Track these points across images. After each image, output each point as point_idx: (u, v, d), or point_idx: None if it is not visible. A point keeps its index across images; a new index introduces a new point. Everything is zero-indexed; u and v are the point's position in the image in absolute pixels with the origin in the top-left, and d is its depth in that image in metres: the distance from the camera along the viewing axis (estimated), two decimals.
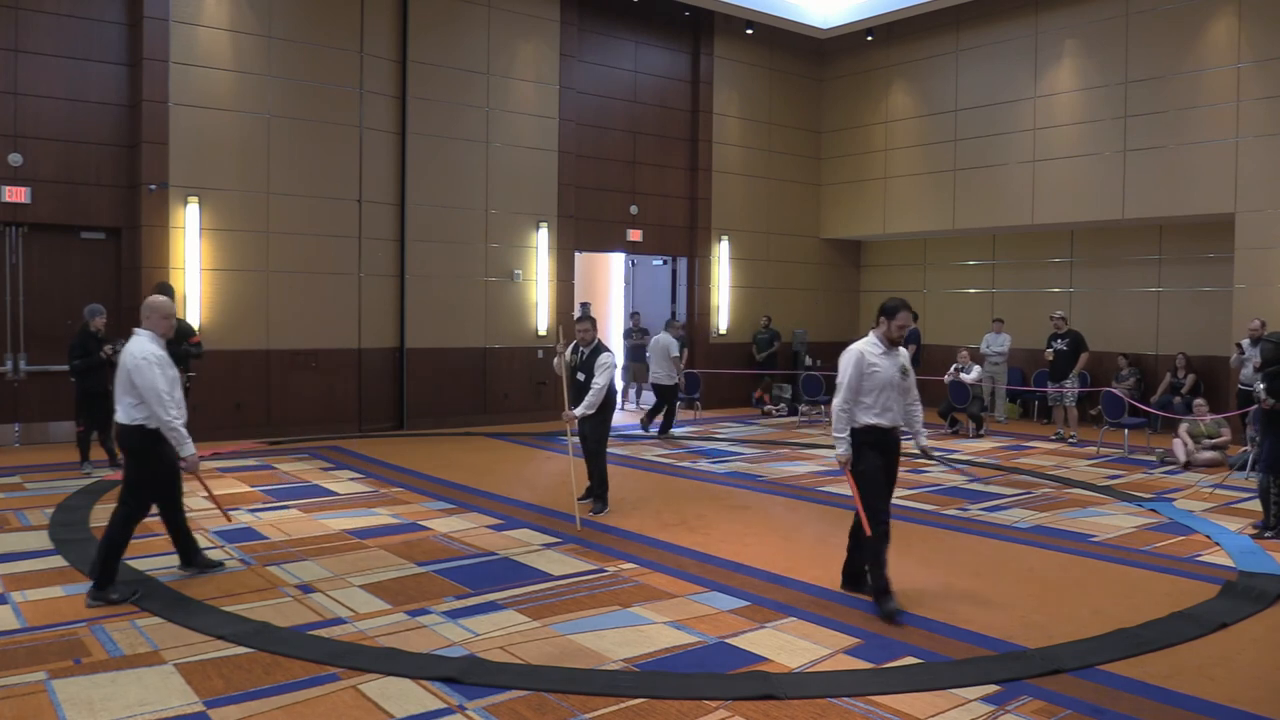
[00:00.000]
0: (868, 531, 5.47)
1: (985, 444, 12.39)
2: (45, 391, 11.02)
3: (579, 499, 7.97)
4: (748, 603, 5.62)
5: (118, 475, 9.21)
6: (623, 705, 4.17)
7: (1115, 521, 7.99)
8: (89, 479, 9.03)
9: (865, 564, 5.64)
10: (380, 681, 4.37)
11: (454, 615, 5.32)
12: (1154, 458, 11.15)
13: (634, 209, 15.59)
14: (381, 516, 7.78)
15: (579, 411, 7.76)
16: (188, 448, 5.53)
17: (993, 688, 4.41)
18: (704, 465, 10.64)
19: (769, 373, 16.12)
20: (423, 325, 13.19)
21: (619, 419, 13.67)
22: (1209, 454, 10.70)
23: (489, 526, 7.49)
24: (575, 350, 8.01)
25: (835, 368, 5.89)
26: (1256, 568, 6.46)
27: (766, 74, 16.95)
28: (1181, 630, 5.21)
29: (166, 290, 10.16)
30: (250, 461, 10.31)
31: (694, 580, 6.07)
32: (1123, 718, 4.11)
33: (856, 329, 18.29)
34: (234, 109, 11.76)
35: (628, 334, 15.87)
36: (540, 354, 14.18)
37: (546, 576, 6.11)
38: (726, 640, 4.98)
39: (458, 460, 10.68)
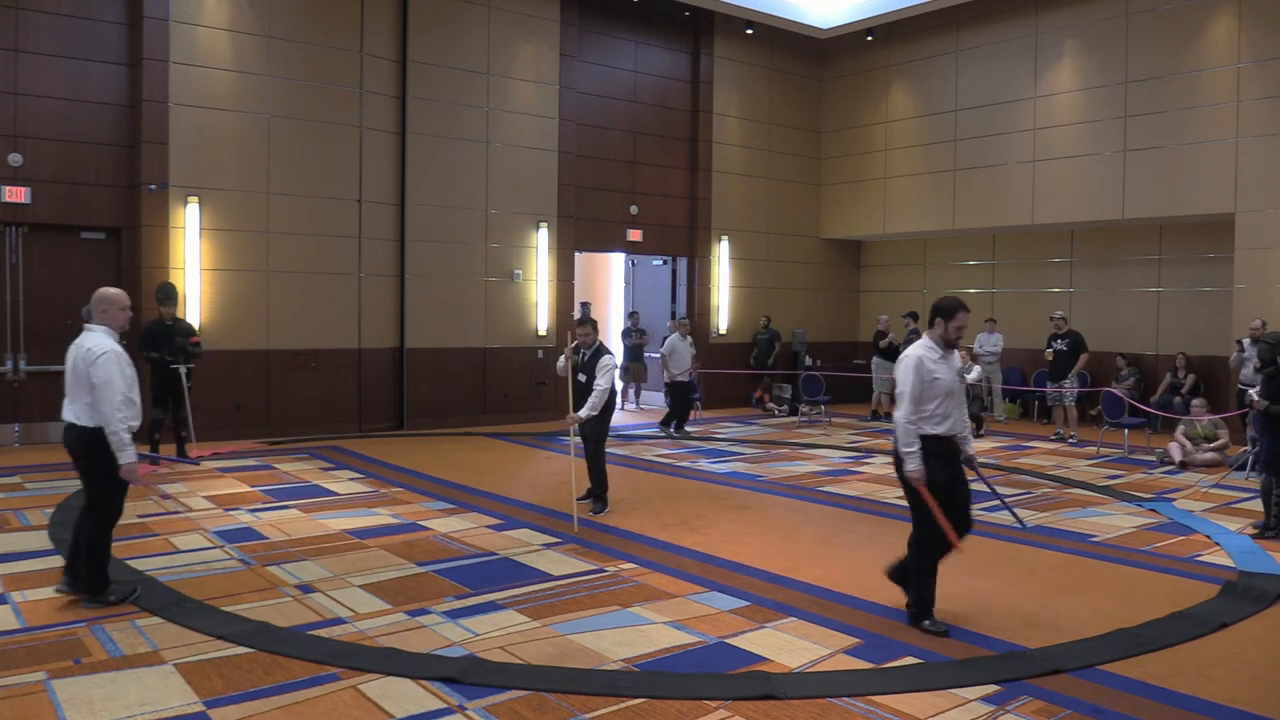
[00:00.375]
0: (957, 545, 5.14)
1: (985, 444, 12.38)
2: (45, 391, 11.01)
3: (579, 499, 7.97)
4: (748, 603, 5.62)
5: None
6: (623, 705, 4.17)
7: (1115, 521, 7.99)
8: None
9: (917, 574, 5.25)
10: (380, 681, 4.37)
11: (454, 615, 5.32)
12: (1154, 458, 11.15)
13: (634, 209, 15.59)
14: (381, 516, 7.78)
15: (583, 414, 7.77)
16: (127, 454, 5.15)
17: (993, 688, 4.41)
18: (704, 465, 10.64)
19: (769, 373, 16.13)
20: (423, 325, 13.19)
21: (620, 419, 13.68)
22: (1209, 455, 10.70)
23: (489, 526, 7.50)
24: (577, 352, 8.02)
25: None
26: (1256, 568, 6.46)
27: (766, 74, 16.95)
28: (1181, 630, 5.21)
29: (170, 291, 10.15)
30: (250, 461, 10.31)
31: (694, 580, 6.07)
32: (1123, 718, 4.11)
33: (856, 329, 18.32)
34: (234, 109, 11.76)
35: (626, 334, 15.87)
36: (540, 354, 14.18)
37: (546, 576, 6.11)
38: (726, 640, 4.98)
39: (458, 460, 10.68)
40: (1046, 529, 7.70)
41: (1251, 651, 4.97)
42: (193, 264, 11.47)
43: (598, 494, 8.09)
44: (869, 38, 16.41)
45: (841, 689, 4.36)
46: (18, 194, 10.80)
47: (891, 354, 14.90)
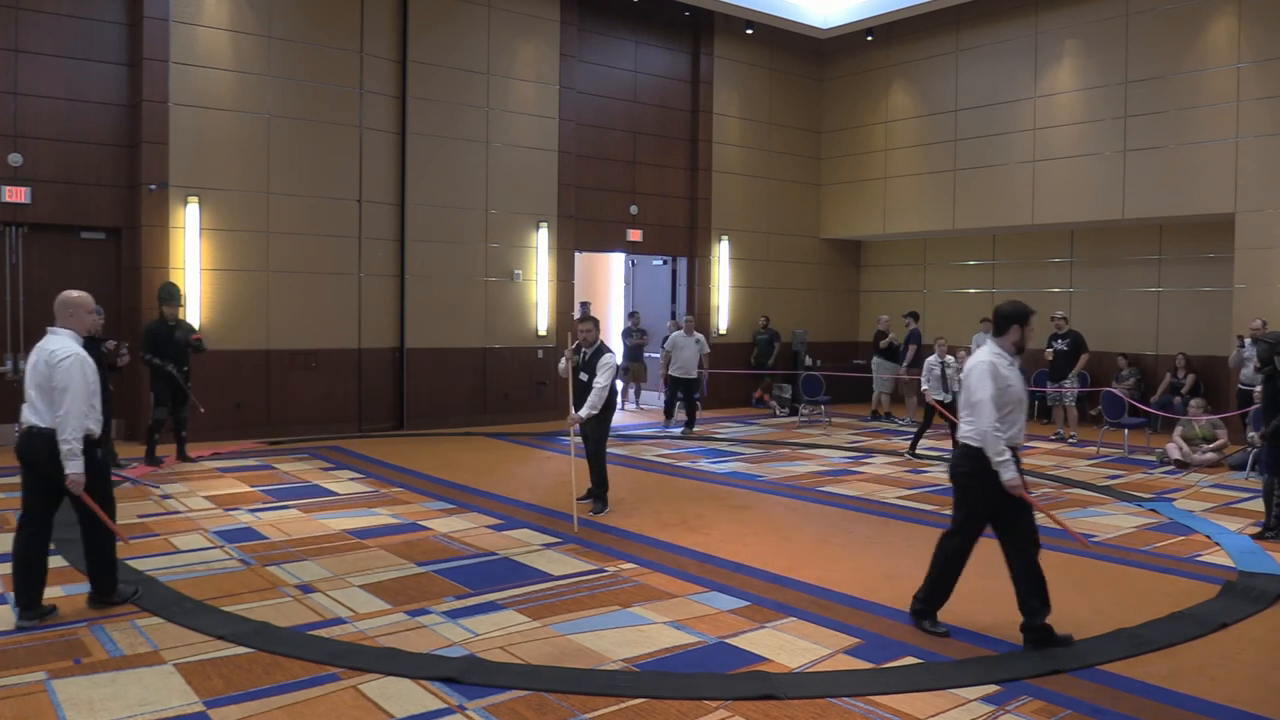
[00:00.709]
0: (1078, 536, 5.20)
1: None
2: None
3: (579, 499, 7.97)
4: (748, 603, 5.62)
5: (119, 475, 9.26)
6: (623, 705, 4.17)
7: (1115, 521, 7.99)
8: None
9: (1030, 585, 5.03)
10: (380, 681, 4.37)
11: (454, 615, 5.32)
12: (1154, 458, 11.15)
13: (634, 209, 15.59)
14: (381, 516, 7.78)
15: (583, 414, 7.77)
16: (75, 464, 4.92)
17: (993, 688, 4.41)
18: (704, 465, 10.64)
19: (769, 373, 16.13)
20: (423, 325, 13.19)
21: (620, 419, 13.68)
22: (1209, 455, 10.70)
23: (489, 526, 7.49)
24: (578, 351, 8.02)
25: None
26: (1256, 568, 6.46)
27: (766, 74, 16.95)
28: (1181, 630, 5.21)
29: (173, 291, 10.13)
30: (250, 461, 10.31)
31: (694, 580, 6.07)
32: (1123, 718, 4.11)
33: (856, 329, 18.31)
34: (234, 109, 11.76)
35: (627, 334, 15.88)
36: (540, 354, 14.18)
37: (546, 576, 6.10)
38: (726, 640, 4.98)
39: (458, 460, 10.68)
40: (1046, 529, 7.66)
41: (1251, 651, 4.97)
42: (193, 264, 11.47)
43: (598, 494, 8.09)
44: (869, 38, 16.41)
45: (841, 689, 4.36)
46: (18, 194, 10.80)
47: (892, 354, 14.90)
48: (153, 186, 11.22)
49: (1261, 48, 12.32)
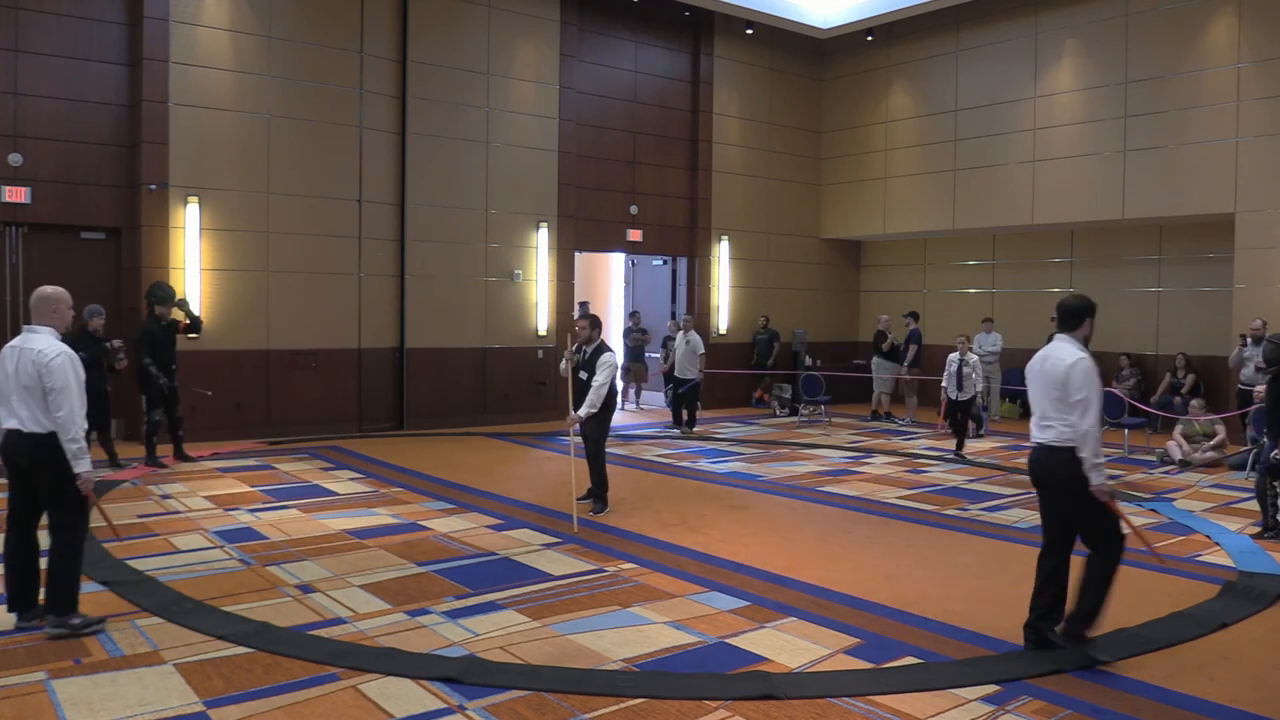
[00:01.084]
0: (1152, 549, 4.91)
1: (985, 444, 12.38)
2: None
3: (579, 499, 7.96)
4: (748, 603, 5.62)
5: (119, 475, 9.27)
6: (623, 705, 4.17)
7: None
8: None
9: (1096, 592, 4.81)
10: (380, 681, 4.37)
11: (454, 615, 5.32)
12: (1154, 458, 11.15)
13: (634, 209, 15.59)
14: (381, 516, 7.78)
15: (582, 413, 7.77)
16: (85, 463, 4.83)
17: (993, 688, 4.41)
18: (704, 465, 10.64)
19: (769, 373, 16.13)
20: (423, 325, 13.19)
21: (620, 419, 13.69)
22: (1210, 454, 10.70)
23: (489, 526, 7.49)
24: (578, 350, 8.03)
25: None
26: (1256, 568, 6.46)
27: (766, 74, 16.95)
28: (1181, 630, 5.21)
29: (167, 291, 10.12)
30: (250, 461, 10.31)
31: (694, 580, 6.07)
32: (1123, 718, 4.11)
33: (856, 329, 18.31)
34: (234, 109, 11.76)
35: (627, 334, 15.88)
36: (540, 354, 14.18)
37: (546, 576, 6.10)
38: (726, 640, 4.98)
39: (458, 460, 10.68)
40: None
41: (1251, 651, 4.97)
42: (193, 264, 11.47)
43: (598, 494, 8.09)
44: (869, 38, 16.41)
45: (841, 689, 4.36)
46: (18, 194, 10.80)
47: (892, 354, 14.90)
48: (153, 186, 11.21)
49: (1261, 48, 12.32)
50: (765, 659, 4.72)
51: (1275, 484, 7.36)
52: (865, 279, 18.51)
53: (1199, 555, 6.89)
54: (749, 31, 16.04)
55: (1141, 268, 14.58)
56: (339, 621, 5.19)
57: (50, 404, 4.78)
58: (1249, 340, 11.00)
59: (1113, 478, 10.03)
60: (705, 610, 5.47)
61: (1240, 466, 10.26)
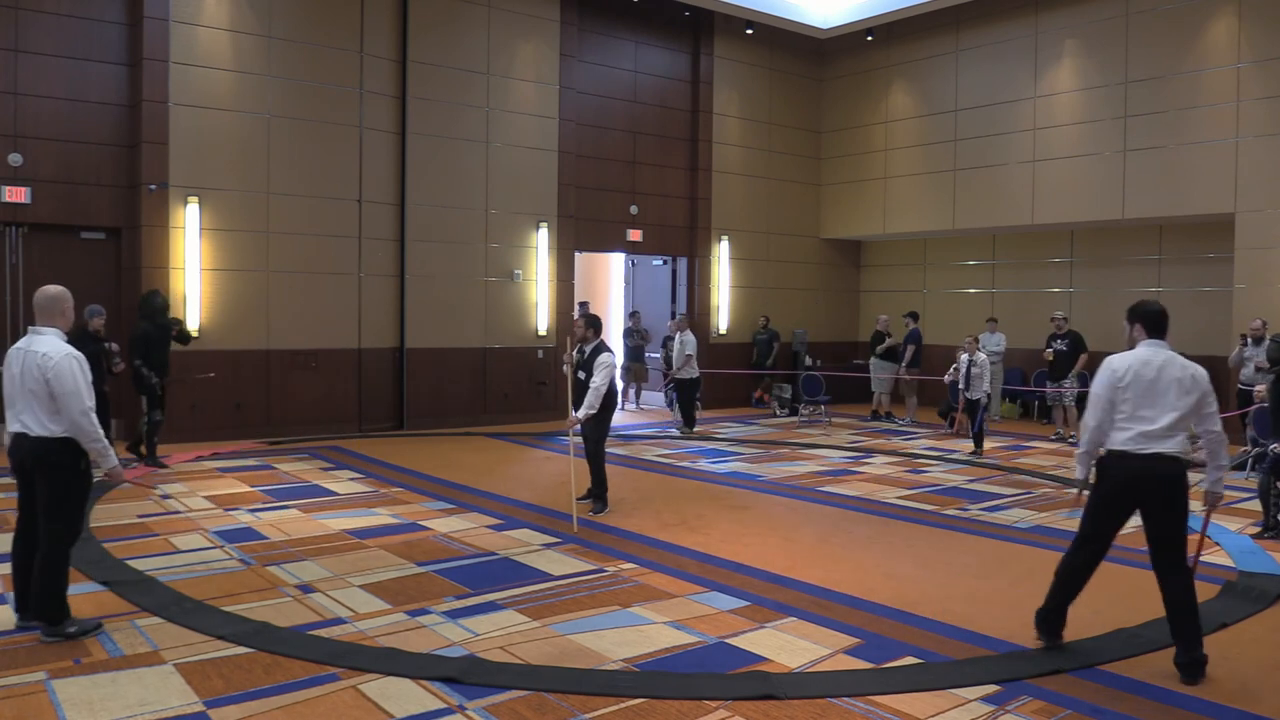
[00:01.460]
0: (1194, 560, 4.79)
1: (986, 444, 12.37)
2: None
3: (579, 499, 7.97)
4: (748, 603, 5.62)
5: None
6: (623, 705, 4.17)
7: None
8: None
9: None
10: (380, 681, 4.37)
11: (454, 615, 5.32)
12: None
13: (634, 209, 15.59)
14: (381, 516, 7.78)
15: (581, 414, 7.77)
16: (110, 459, 4.89)
17: (993, 688, 4.41)
18: (704, 465, 10.64)
19: (769, 373, 16.13)
20: (423, 325, 13.19)
21: (620, 419, 13.69)
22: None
23: (489, 526, 7.50)
24: (579, 350, 8.03)
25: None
26: (1256, 568, 6.46)
27: (766, 74, 16.95)
28: None
29: (158, 296, 10.03)
30: (250, 461, 10.31)
31: (694, 580, 6.07)
32: (1123, 718, 4.11)
33: (856, 329, 18.31)
34: (234, 109, 11.76)
35: (628, 334, 15.88)
36: (540, 354, 14.19)
37: (546, 576, 6.10)
38: (726, 640, 4.98)
39: (458, 460, 10.68)
40: (1046, 529, 7.69)
41: (1251, 651, 4.97)
42: (193, 264, 11.47)
43: (598, 494, 8.09)
44: (869, 38, 16.41)
45: (841, 689, 4.36)
46: (18, 194, 10.80)
47: (891, 354, 14.89)
48: (153, 186, 11.22)
49: (1261, 48, 12.32)
50: (765, 659, 4.72)
51: (1279, 483, 7.36)
52: (865, 279, 18.52)
53: (1199, 555, 6.88)
54: (749, 31, 16.04)
55: (1141, 268, 14.58)
56: (339, 621, 5.19)
57: (61, 409, 4.75)
58: (1249, 340, 10.99)
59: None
60: (705, 610, 5.47)
61: (1240, 467, 10.25)
